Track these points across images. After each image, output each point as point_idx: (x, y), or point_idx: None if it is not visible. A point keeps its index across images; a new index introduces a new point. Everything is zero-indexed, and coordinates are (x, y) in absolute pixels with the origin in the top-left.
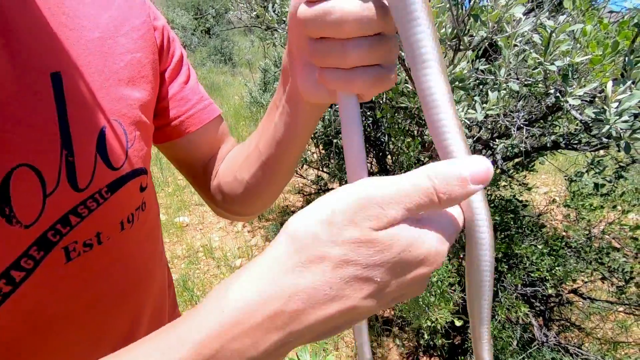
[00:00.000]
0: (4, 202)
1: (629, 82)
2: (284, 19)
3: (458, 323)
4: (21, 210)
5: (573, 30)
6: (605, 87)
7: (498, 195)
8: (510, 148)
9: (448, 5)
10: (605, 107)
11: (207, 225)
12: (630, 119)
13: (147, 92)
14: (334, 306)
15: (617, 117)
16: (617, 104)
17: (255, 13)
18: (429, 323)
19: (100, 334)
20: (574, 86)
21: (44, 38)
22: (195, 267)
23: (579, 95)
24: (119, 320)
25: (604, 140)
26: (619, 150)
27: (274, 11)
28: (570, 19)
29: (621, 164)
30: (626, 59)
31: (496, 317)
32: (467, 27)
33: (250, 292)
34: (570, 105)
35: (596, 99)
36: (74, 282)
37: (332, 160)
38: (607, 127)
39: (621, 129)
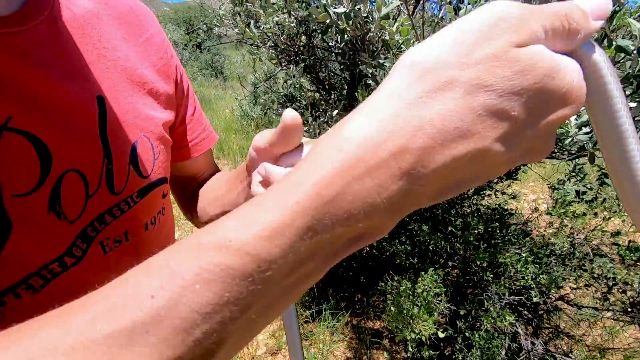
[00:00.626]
0: (56, 201)
1: None
2: (267, 34)
3: (442, 335)
4: (68, 208)
5: None
6: None
7: (484, 205)
8: None
9: (412, 25)
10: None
11: None
12: (591, 132)
13: (166, 114)
14: (464, 145)
15: (578, 130)
16: (576, 116)
17: (237, 30)
18: (412, 335)
19: None
20: None
21: (89, 68)
22: None
23: None
24: None
25: (574, 151)
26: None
27: (256, 27)
28: None
29: (604, 171)
30: None
31: (482, 327)
32: None
33: (370, 128)
34: None
35: None
36: (111, 273)
37: None
38: (569, 139)
39: (583, 141)
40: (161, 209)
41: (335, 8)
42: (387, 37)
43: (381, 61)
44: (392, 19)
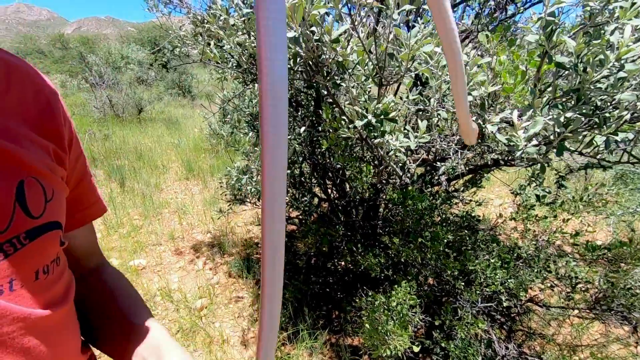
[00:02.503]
0: None
1: (530, 111)
2: (229, 54)
3: (416, 349)
4: None
5: (489, 62)
6: (512, 115)
7: (452, 213)
8: (452, 170)
9: (363, 47)
10: (514, 133)
11: (165, 266)
12: (540, 143)
13: (56, 165)
14: None
15: (527, 143)
16: (524, 130)
17: (197, 51)
18: (388, 352)
19: None
20: (491, 114)
21: None
22: (153, 312)
23: (496, 122)
24: None
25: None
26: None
27: (218, 47)
28: (486, 54)
29: (561, 174)
30: (530, 88)
31: (457, 335)
32: (386, 64)
33: None
34: (490, 131)
35: (506, 127)
36: None
37: (288, 190)
38: (520, 152)
39: (532, 153)
40: (55, 257)
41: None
42: (341, 59)
43: (337, 81)
44: (345, 40)
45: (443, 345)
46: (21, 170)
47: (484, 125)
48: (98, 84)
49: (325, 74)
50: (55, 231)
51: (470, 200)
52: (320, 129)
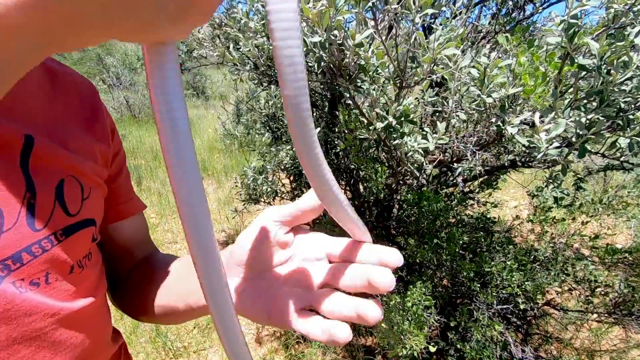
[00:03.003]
0: None
1: (552, 113)
2: (247, 57)
3: (432, 349)
4: None
5: (509, 64)
6: (535, 116)
7: (467, 215)
8: (468, 171)
9: (386, 51)
10: (536, 135)
11: None
12: (561, 145)
13: (99, 167)
14: None
15: (548, 145)
16: (546, 132)
17: (216, 53)
18: (404, 352)
19: None
20: (512, 116)
21: (26, 105)
22: None
23: (517, 124)
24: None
25: (546, 163)
26: (563, 172)
27: (235, 50)
28: (504, 55)
29: (579, 176)
30: (551, 90)
31: (473, 337)
32: (407, 67)
33: None
34: (510, 133)
35: (527, 129)
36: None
37: (303, 191)
38: (541, 154)
39: (554, 155)
40: (88, 252)
41: (311, 37)
42: (363, 62)
43: (359, 84)
44: (367, 45)
45: (458, 346)
46: (62, 169)
47: (503, 127)
48: (115, 85)
49: (347, 77)
50: (90, 228)
51: (486, 202)
52: (336, 130)
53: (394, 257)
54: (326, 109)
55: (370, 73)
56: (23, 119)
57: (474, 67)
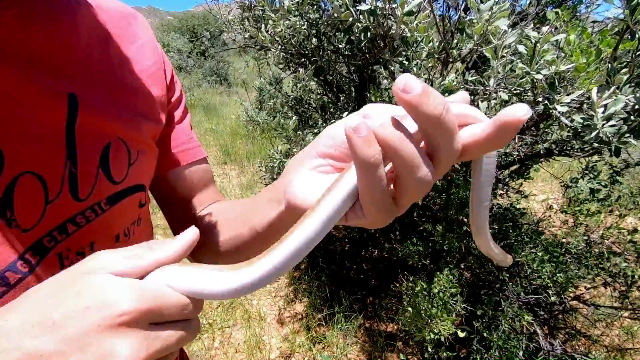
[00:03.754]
0: (6, 206)
1: (613, 88)
2: (277, 38)
3: (461, 334)
4: (22, 215)
5: (557, 40)
6: (591, 93)
7: (495, 204)
8: (504, 156)
9: (435, 21)
10: (592, 112)
11: None
12: (618, 123)
13: (152, 121)
14: None
15: (605, 122)
16: (603, 109)
17: (248, 34)
18: (432, 335)
19: None
20: (561, 93)
21: (67, 64)
22: None
23: (567, 102)
24: None
25: (595, 145)
26: (611, 155)
27: (266, 31)
28: (554, 30)
29: (615, 169)
30: (609, 65)
31: (500, 326)
32: (455, 40)
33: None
34: (558, 112)
35: (584, 106)
36: None
37: None
38: (595, 132)
39: (609, 134)
40: (137, 219)
41: (358, 5)
42: (408, 34)
43: (402, 59)
44: (415, 16)
45: (485, 335)
46: (110, 132)
47: (551, 107)
48: None
49: (392, 50)
50: (137, 194)
51: (516, 192)
52: None
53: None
54: (353, 93)
55: (413, 47)
56: (68, 74)
57: (521, 42)
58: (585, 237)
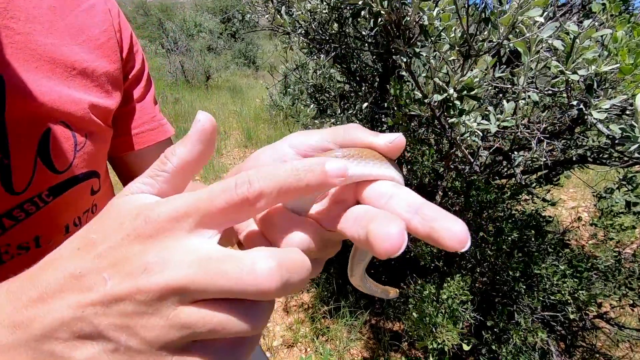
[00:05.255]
0: None
1: None
2: (300, 22)
3: (466, 347)
4: None
5: (602, 37)
6: (635, 100)
7: (519, 210)
8: (530, 162)
9: (456, 8)
10: (634, 123)
11: None
12: None
13: (102, 97)
14: None
15: None
16: None
17: (267, 16)
18: (434, 345)
19: None
20: (601, 98)
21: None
22: None
23: (606, 109)
24: None
25: (637, 155)
26: None
27: (288, 14)
28: (598, 24)
29: None
30: None
31: (510, 340)
32: (478, 31)
33: None
34: (594, 118)
35: (625, 114)
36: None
37: None
38: (636, 145)
39: None
40: (90, 207)
41: None
42: (426, 22)
43: (417, 49)
44: (433, 2)
45: (493, 347)
46: (48, 115)
47: (586, 112)
48: (173, 50)
49: (406, 39)
50: (87, 182)
51: (543, 199)
52: (386, 105)
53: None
54: (376, 83)
55: (432, 38)
56: None
57: (558, 37)
58: (616, 253)
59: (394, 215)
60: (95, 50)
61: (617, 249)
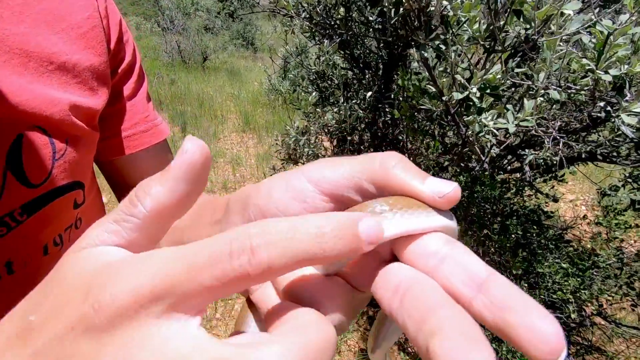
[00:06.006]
0: None
1: None
2: (302, 5)
3: None
4: None
5: (631, 34)
6: None
7: (522, 205)
8: (542, 161)
9: None
10: None
11: None
12: None
13: (86, 96)
14: None
15: None
16: None
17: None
18: None
19: None
20: (633, 100)
21: None
22: None
23: (636, 112)
24: None
25: None
26: None
27: None
28: (632, 20)
29: None
30: None
31: None
32: (505, 23)
33: None
34: (622, 122)
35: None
36: None
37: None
38: None
39: None
40: (73, 222)
41: None
42: (450, 13)
43: (437, 42)
44: None
45: (493, 346)
46: (21, 120)
47: (614, 115)
48: (169, 29)
49: (427, 31)
50: (69, 195)
51: (546, 194)
52: (392, 96)
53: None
54: (380, 72)
55: (453, 30)
56: None
57: (589, 32)
58: (618, 252)
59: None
60: (76, 41)
61: (619, 248)
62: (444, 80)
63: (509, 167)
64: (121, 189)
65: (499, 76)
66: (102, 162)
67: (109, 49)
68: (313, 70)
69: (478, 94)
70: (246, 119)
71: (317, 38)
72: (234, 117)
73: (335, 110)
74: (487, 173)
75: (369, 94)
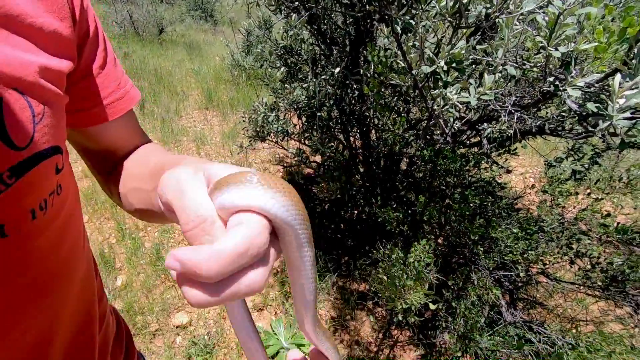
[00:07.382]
0: None
1: (638, 78)
2: None
3: (433, 307)
4: None
5: (578, 15)
6: (613, 80)
7: (479, 177)
8: (498, 133)
9: None
10: (609, 102)
11: None
12: (635, 117)
13: (55, 60)
14: None
15: (619, 113)
16: (624, 99)
17: None
18: (403, 305)
19: (14, 333)
20: (577, 75)
21: None
22: (169, 235)
23: (580, 86)
24: (34, 319)
25: (590, 129)
26: (617, 149)
27: None
28: (579, 2)
29: (597, 150)
30: (634, 50)
31: (468, 297)
32: (469, 1)
33: None
34: (568, 95)
35: (602, 94)
36: None
37: (314, 133)
38: (608, 122)
39: (622, 126)
40: (55, 188)
41: None
42: None
43: (408, 17)
44: None
45: (453, 304)
46: (1, 83)
47: (562, 88)
48: None
49: (400, 5)
50: (52, 159)
51: (500, 167)
52: (360, 72)
53: None
54: (347, 47)
55: (423, 5)
56: None
57: (544, 12)
58: (560, 217)
59: None
60: (39, 4)
61: (561, 214)
62: (413, 55)
63: (469, 142)
64: (92, 155)
65: (463, 51)
66: (69, 131)
67: (73, 16)
68: (281, 45)
69: (445, 68)
70: (209, 96)
71: (284, 12)
72: (196, 94)
73: (305, 86)
74: (448, 148)
75: (337, 70)
